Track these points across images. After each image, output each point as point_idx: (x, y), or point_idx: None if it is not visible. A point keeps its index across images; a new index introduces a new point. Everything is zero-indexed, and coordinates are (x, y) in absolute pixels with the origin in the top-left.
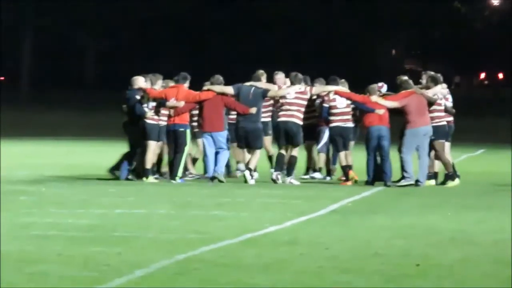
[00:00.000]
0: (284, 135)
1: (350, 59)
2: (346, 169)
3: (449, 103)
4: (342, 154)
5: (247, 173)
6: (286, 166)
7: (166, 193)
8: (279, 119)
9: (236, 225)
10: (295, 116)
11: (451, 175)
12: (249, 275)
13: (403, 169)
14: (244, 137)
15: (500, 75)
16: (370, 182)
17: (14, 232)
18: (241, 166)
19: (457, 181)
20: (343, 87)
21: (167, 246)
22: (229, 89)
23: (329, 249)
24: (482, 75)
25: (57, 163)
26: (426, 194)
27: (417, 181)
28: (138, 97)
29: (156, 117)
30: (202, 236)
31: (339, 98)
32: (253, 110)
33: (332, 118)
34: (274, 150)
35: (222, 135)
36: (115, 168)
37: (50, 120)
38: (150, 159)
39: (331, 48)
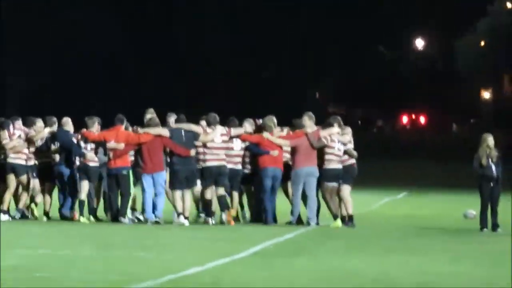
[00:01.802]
0: (213, 177)
1: (271, 102)
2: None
3: (351, 145)
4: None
5: (185, 221)
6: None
7: (89, 234)
8: (209, 164)
9: (159, 266)
10: (224, 159)
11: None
12: None
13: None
14: (185, 178)
15: (422, 120)
16: (269, 221)
17: None
18: (182, 218)
19: (339, 222)
20: (249, 126)
21: None
22: (165, 132)
23: None
24: (405, 119)
25: None
26: (349, 236)
27: (307, 219)
28: (74, 139)
29: (96, 158)
30: (125, 277)
31: (235, 141)
32: (193, 152)
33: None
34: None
35: (162, 176)
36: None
37: None
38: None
39: (251, 89)
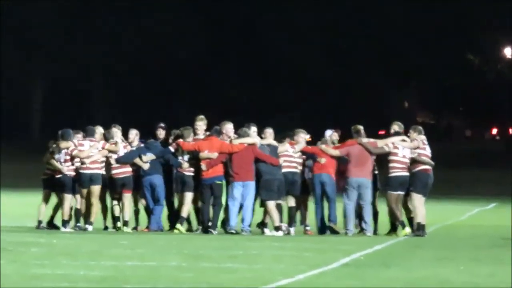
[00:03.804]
0: (287, 185)
1: (360, 108)
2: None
3: (427, 154)
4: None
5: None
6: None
7: (176, 245)
8: (283, 171)
9: (249, 278)
10: (296, 167)
11: (398, 224)
12: None
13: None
14: (277, 188)
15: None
16: (321, 230)
17: (25, 283)
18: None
19: (407, 229)
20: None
21: None
22: (256, 140)
23: None
24: (494, 131)
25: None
26: (438, 246)
27: (363, 230)
28: (172, 149)
29: (192, 168)
30: None
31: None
32: (281, 161)
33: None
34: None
35: (253, 185)
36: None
37: None
38: (187, 209)
39: (340, 97)
